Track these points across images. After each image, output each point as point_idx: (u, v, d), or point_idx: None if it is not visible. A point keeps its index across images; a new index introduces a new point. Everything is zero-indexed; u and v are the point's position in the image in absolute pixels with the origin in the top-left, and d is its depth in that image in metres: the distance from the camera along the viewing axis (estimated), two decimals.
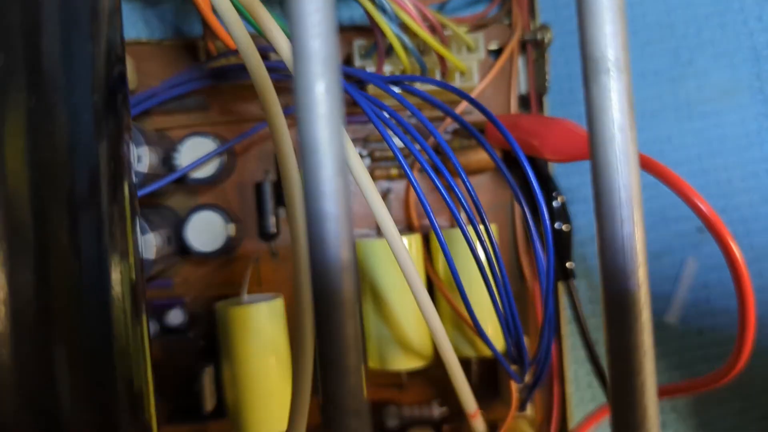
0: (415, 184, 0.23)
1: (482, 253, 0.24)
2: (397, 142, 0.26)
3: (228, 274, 0.31)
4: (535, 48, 0.32)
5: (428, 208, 0.23)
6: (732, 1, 0.35)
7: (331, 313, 0.11)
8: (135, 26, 0.31)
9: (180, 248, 0.28)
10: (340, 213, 0.10)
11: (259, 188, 0.31)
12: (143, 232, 0.25)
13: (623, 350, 0.12)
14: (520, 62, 0.32)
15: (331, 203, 0.10)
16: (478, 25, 0.32)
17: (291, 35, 0.10)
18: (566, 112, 0.34)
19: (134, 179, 0.25)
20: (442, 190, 0.24)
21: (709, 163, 0.36)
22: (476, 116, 0.32)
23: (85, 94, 0.15)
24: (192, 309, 0.31)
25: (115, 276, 0.15)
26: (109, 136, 0.15)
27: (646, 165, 0.23)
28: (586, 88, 0.12)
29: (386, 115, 0.23)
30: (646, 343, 0.12)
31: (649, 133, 0.35)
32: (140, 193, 0.25)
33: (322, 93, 0.10)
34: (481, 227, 0.25)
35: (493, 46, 0.32)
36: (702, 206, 0.24)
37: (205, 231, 0.28)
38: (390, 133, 0.23)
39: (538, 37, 0.31)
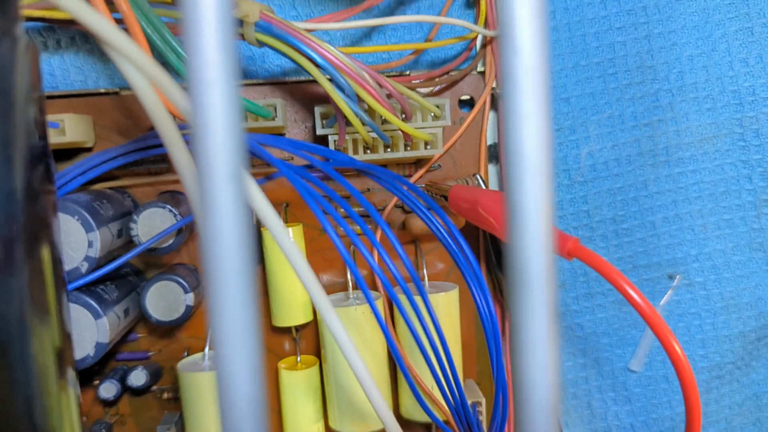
0: (343, 251, 0.23)
1: (418, 325, 0.24)
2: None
3: (196, 325, 0.31)
4: None
5: (359, 275, 0.23)
6: (718, 42, 0.34)
7: None
8: (91, 77, 0.30)
9: (141, 314, 0.28)
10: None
11: None
12: (96, 317, 0.25)
13: None
14: (491, 115, 0.31)
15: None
16: (449, 81, 0.30)
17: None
18: None
19: (84, 263, 0.25)
20: (373, 262, 0.24)
21: (684, 209, 0.35)
22: (444, 173, 0.32)
23: None
24: (158, 359, 0.31)
25: (36, 345, 0.16)
26: (28, 212, 0.16)
27: (581, 256, 0.22)
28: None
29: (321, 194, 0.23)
30: None
31: (624, 179, 0.35)
32: (93, 276, 0.25)
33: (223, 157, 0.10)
34: (417, 299, 0.25)
35: (465, 96, 0.31)
36: (639, 300, 0.23)
37: (164, 300, 0.28)
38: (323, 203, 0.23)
39: None
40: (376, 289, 0.31)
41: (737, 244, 0.35)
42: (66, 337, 0.17)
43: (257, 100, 0.28)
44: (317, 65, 0.24)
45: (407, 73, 0.30)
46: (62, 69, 0.30)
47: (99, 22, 0.19)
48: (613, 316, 0.36)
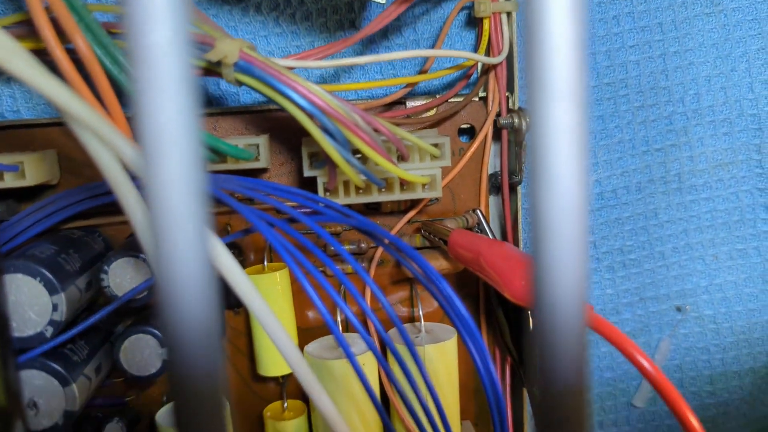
0: (312, 295, 0.21)
1: (402, 376, 0.22)
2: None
3: None
4: (511, 133, 0.29)
5: (337, 330, 0.21)
6: (738, 61, 0.31)
7: None
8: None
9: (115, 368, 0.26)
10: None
11: None
12: (63, 384, 0.23)
13: None
14: (493, 147, 0.29)
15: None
16: (448, 112, 0.28)
17: None
18: None
19: (49, 328, 0.23)
20: (351, 316, 0.22)
21: (695, 238, 0.33)
22: (441, 207, 0.29)
23: None
24: (135, 405, 0.30)
25: None
26: None
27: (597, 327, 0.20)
28: None
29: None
30: None
31: (633, 207, 0.32)
32: (59, 340, 0.23)
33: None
34: (400, 347, 0.23)
35: (465, 125, 0.29)
36: (650, 369, 0.21)
37: (140, 354, 0.26)
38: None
39: (515, 122, 0.28)
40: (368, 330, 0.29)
41: (750, 275, 0.33)
42: (13, 397, 0.16)
43: (239, 136, 0.26)
44: (302, 109, 0.22)
45: (403, 102, 0.28)
46: (25, 95, 0.28)
47: (51, 88, 0.16)
48: (615, 350, 0.34)
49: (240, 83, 0.22)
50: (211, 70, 0.22)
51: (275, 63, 0.22)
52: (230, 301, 0.28)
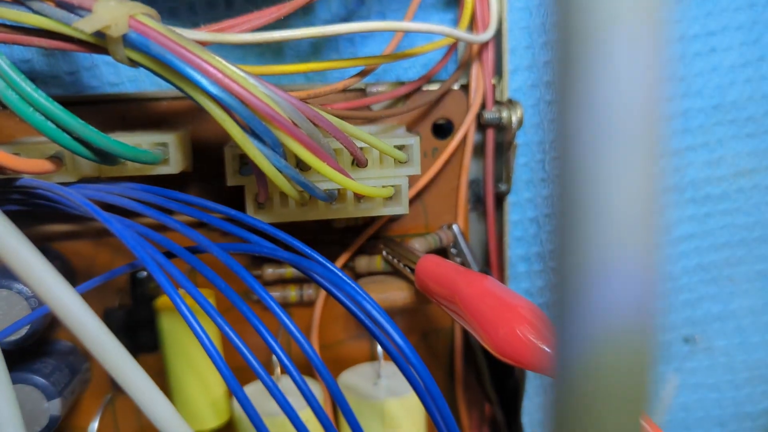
0: (203, 338, 0.16)
1: None
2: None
3: (76, 415, 0.24)
4: (498, 130, 0.23)
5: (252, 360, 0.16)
6: (767, 48, 0.26)
7: None
8: None
9: None
10: None
11: (106, 317, 0.22)
12: None
13: None
14: (475, 142, 0.24)
15: None
16: (421, 104, 0.22)
17: None
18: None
19: None
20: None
21: (708, 257, 0.28)
22: (408, 222, 0.24)
23: None
24: None
25: None
26: None
27: None
28: None
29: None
30: None
31: None
32: None
33: None
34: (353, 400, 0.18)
35: (441, 120, 0.23)
36: None
37: (21, 408, 0.20)
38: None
39: (503, 117, 0.22)
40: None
41: None
42: None
43: (146, 133, 0.20)
44: (214, 99, 0.16)
45: (363, 89, 0.22)
46: None
47: None
48: None
49: (135, 63, 0.16)
50: (98, 45, 0.16)
51: (181, 36, 0.16)
52: (139, 341, 0.23)
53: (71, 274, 0.22)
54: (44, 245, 0.22)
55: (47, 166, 0.18)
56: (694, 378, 0.29)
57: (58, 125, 0.17)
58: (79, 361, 0.23)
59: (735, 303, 0.28)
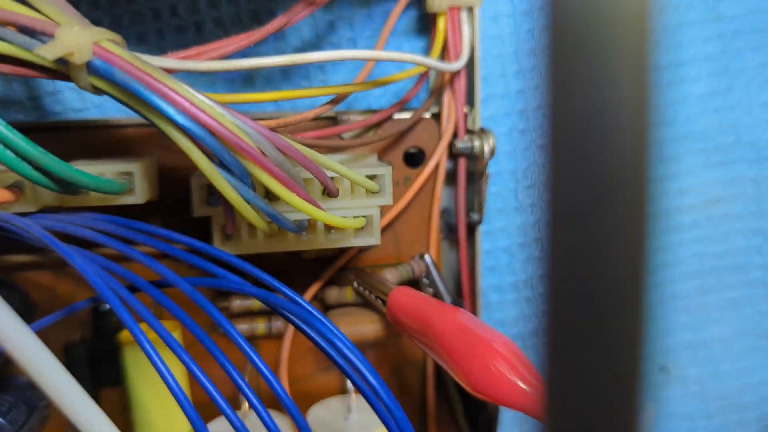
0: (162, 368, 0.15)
1: None
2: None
3: None
4: (470, 159, 0.23)
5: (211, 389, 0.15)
6: (736, 78, 0.26)
7: None
8: None
9: None
10: None
11: (67, 351, 0.22)
12: None
13: None
14: (446, 170, 0.23)
15: None
16: (389, 134, 0.22)
17: None
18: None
19: None
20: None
21: (680, 286, 0.28)
22: (379, 252, 0.23)
23: None
24: None
25: None
26: None
27: None
28: None
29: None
30: None
31: None
32: None
33: None
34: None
35: (412, 149, 0.23)
36: None
37: None
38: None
39: (475, 146, 0.22)
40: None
41: (741, 329, 0.29)
42: None
43: (110, 162, 0.19)
44: (180, 128, 0.15)
45: (334, 117, 0.22)
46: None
47: None
48: None
49: (99, 91, 0.16)
50: (60, 72, 0.16)
51: (146, 63, 0.15)
52: (101, 375, 0.22)
53: (30, 307, 0.21)
54: (1, 277, 0.21)
55: (6, 195, 0.18)
56: (666, 407, 0.29)
57: (17, 154, 0.16)
58: (37, 397, 0.22)
59: (706, 331, 0.29)
